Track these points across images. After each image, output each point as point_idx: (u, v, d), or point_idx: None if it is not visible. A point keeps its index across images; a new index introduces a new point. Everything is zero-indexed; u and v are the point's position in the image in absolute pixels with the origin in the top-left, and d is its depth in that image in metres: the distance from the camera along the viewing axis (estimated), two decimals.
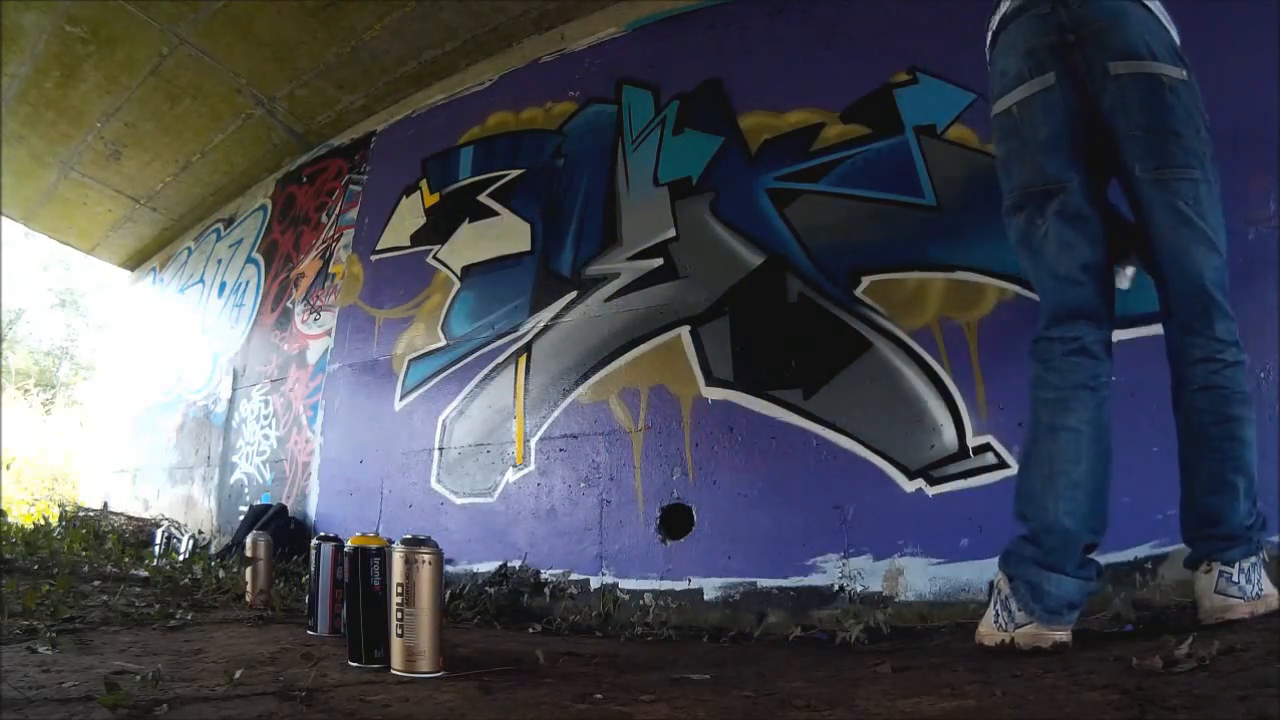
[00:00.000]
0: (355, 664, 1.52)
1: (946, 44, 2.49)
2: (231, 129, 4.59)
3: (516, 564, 2.95)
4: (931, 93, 2.51)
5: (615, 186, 3.16)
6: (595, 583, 2.75)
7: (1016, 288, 2.22)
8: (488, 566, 3.01)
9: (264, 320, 4.61)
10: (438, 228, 3.75)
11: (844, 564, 2.30)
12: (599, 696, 1.29)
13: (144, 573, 2.80)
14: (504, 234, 3.46)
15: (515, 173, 3.53)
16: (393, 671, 1.44)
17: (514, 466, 3.10)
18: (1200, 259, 1.47)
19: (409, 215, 3.91)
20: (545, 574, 2.88)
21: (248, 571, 2.43)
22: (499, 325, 3.33)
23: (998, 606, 1.49)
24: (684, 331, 2.80)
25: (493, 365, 3.29)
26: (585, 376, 3.00)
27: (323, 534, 2.02)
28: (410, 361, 3.60)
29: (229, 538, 3.96)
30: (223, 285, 5.17)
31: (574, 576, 2.81)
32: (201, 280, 5.44)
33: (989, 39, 1.73)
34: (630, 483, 2.79)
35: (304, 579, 2.41)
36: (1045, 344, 1.57)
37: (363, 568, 1.59)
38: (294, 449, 4.03)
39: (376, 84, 4.12)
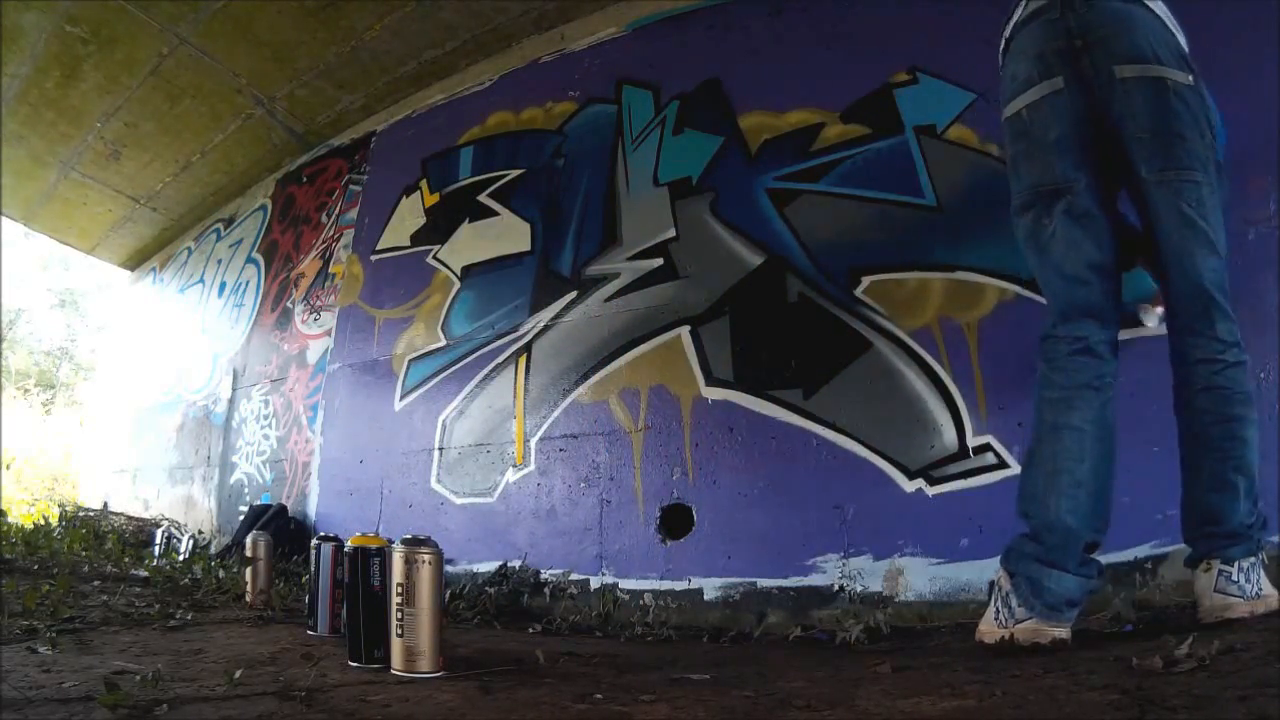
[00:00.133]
0: (355, 664, 1.52)
1: (946, 44, 2.49)
2: (231, 129, 4.60)
3: (516, 564, 2.95)
4: (931, 93, 2.51)
5: (615, 186, 3.16)
6: (595, 583, 2.75)
7: (1016, 288, 2.23)
8: (488, 566, 3.01)
9: (264, 320, 4.61)
10: (438, 228, 3.75)
11: (844, 564, 2.30)
12: (599, 696, 1.28)
13: (144, 573, 2.80)
14: (504, 234, 3.46)
15: (515, 173, 3.53)
16: (393, 671, 1.44)
17: (514, 466, 3.10)
18: (1201, 261, 1.48)
19: (409, 215, 3.91)
20: (545, 574, 2.88)
21: (248, 571, 2.43)
22: (499, 325, 3.33)
23: (998, 603, 1.50)
24: (684, 331, 2.80)
25: (493, 365, 3.29)
26: (585, 376, 3.00)
27: (323, 534, 2.02)
28: (410, 361, 3.60)
29: (229, 538, 3.96)
30: (223, 285, 5.17)
31: (574, 576, 2.81)
32: (201, 280, 5.44)
33: (1002, 45, 1.74)
34: (630, 483, 2.79)
35: (304, 579, 2.41)
36: (1051, 343, 1.58)
37: (363, 568, 1.59)
38: (294, 449, 4.03)
39: (376, 84, 4.12)
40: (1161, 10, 1.57)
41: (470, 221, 3.62)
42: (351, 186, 4.34)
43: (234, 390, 4.64)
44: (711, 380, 2.69)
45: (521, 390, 3.17)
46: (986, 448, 2.19)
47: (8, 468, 7.91)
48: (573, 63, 3.50)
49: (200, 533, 4.34)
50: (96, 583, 2.54)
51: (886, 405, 2.36)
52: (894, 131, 2.54)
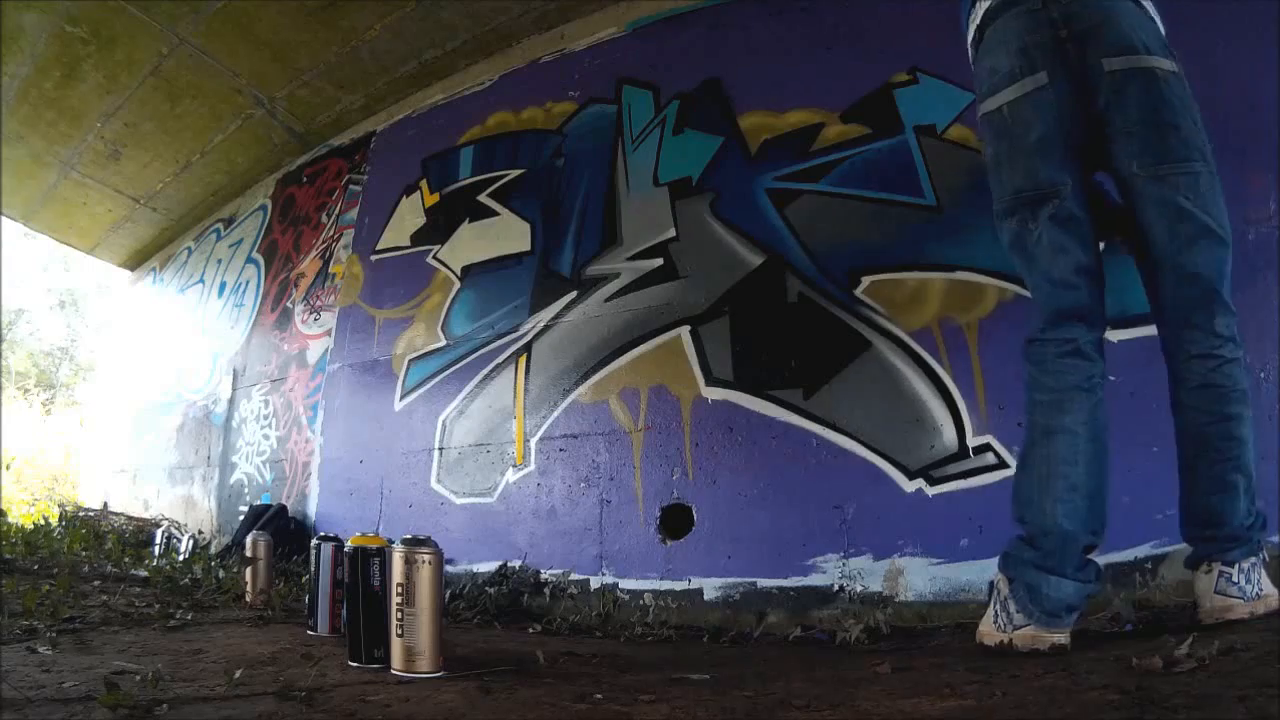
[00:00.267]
0: (355, 664, 1.52)
1: (946, 44, 2.47)
2: (231, 129, 4.59)
3: (516, 564, 2.95)
4: (931, 93, 2.51)
5: (615, 186, 3.16)
6: (595, 583, 2.75)
7: (1016, 288, 2.22)
8: (488, 566, 3.01)
9: (264, 320, 4.61)
10: (438, 228, 3.75)
11: (844, 564, 2.30)
12: (599, 696, 1.29)
13: (144, 573, 2.80)
14: (504, 234, 3.46)
15: (515, 173, 3.53)
16: (393, 671, 1.44)
17: (514, 466, 3.10)
18: (1202, 252, 1.46)
19: (409, 215, 3.91)
20: (545, 574, 2.88)
21: (248, 571, 2.44)
22: (499, 325, 3.33)
23: (997, 607, 1.49)
24: (684, 331, 2.79)
25: (493, 365, 3.29)
26: (585, 376, 3.00)
27: (323, 534, 2.02)
28: (410, 361, 3.60)
29: (229, 538, 3.96)
30: (223, 285, 5.17)
31: (574, 576, 2.81)
32: (201, 280, 5.44)
33: (971, 33, 1.69)
34: (630, 483, 2.79)
35: (304, 579, 2.41)
36: (1039, 346, 1.55)
37: (363, 568, 1.59)
38: (294, 449, 4.03)
39: (376, 84, 4.12)
40: None
41: (470, 221, 3.62)
42: (351, 186, 4.34)
43: (234, 390, 4.64)
44: (711, 380, 2.69)
45: (521, 390, 3.17)
46: (986, 448, 2.19)
47: (8, 468, 7.90)
48: (573, 63, 3.50)
49: (200, 533, 4.34)
50: (96, 583, 2.54)
51: (886, 405, 2.36)
52: (894, 131, 2.54)
